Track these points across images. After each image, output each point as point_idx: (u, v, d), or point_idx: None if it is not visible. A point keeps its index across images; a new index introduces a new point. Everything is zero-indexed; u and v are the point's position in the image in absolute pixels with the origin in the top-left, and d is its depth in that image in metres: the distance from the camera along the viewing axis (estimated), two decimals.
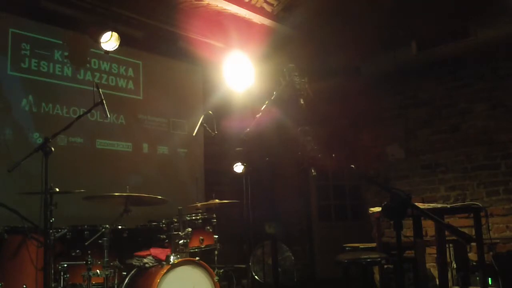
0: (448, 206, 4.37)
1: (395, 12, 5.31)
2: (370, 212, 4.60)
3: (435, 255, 4.49)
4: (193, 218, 4.06)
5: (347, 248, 5.12)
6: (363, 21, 5.44)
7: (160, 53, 5.89)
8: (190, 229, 3.86)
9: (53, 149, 3.20)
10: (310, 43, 5.86)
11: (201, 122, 4.32)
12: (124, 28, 5.09)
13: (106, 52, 4.97)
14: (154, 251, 3.86)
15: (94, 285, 3.47)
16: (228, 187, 5.97)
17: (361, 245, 5.05)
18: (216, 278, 3.82)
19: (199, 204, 4.40)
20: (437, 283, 4.98)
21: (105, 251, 3.49)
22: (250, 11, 5.32)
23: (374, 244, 4.86)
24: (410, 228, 4.21)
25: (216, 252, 4.17)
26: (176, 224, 3.87)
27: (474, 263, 4.89)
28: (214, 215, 4.23)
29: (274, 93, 3.19)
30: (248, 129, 3.21)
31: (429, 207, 4.09)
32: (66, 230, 3.52)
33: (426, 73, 6.13)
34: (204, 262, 3.81)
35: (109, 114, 3.74)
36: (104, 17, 4.83)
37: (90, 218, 3.88)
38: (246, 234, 4.27)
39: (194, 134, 4.42)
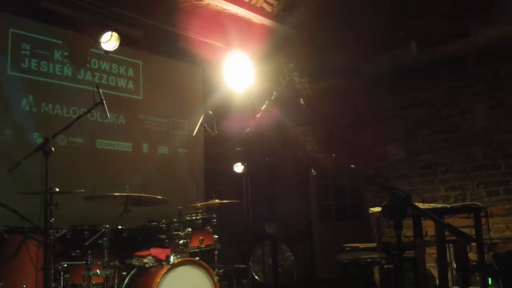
0: (448, 206, 4.37)
1: (395, 12, 5.31)
2: (370, 212, 4.60)
3: (435, 255, 4.50)
4: (193, 218, 4.05)
5: (347, 248, 5.11)
6: (363, 21, 5.44)
7: (160, 53, 5.89)
8: (190, 229, 3.86)
9: (53, 149, 3.20)
10: (310, 43, 5.86)
11: (201, 122, 4.32)
12: (124, 28, 5.09)
13: (106, 52, 4.98)
14: (154, 251, 3.86)
15: (94, 285, 3.47)
16: (228, 187, 5.97)
17: (361, 245, 5.04)
18: (216, 278, 3.82)
19: (199, 204, 4.40)
20: (437, 283, 4.99)
21: (105, 251, 3.49)
22: (250, 11, 5.32)
23: (374, 244, 4.86)
24: (410, 228, 4.21)
25: (216, 252, 4.17)
26: (176, 224, 3.87)
27: (474, 263, 4.88)
28: (214, 215, 4.23)
29: (274, 93, 3.19)
30: (248, 129, 3.21)
31: (429, 207, 4.09)
32: (66, 230, 3.52)
33: (426, 73, 6.12)
34: (204, 262, 3.81)
35: (109, 114, 3.75)
36: (104, 17, 4.83)
37: (90, 218, 3.88)
38: (246, 234, 4.27)
39: (194, 134, 4.42)
